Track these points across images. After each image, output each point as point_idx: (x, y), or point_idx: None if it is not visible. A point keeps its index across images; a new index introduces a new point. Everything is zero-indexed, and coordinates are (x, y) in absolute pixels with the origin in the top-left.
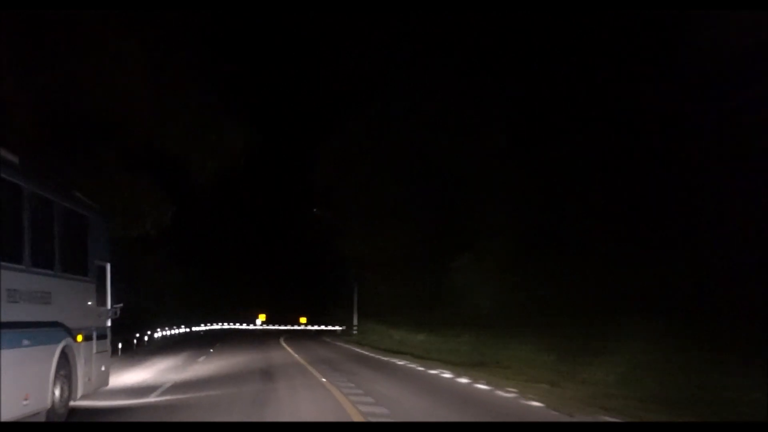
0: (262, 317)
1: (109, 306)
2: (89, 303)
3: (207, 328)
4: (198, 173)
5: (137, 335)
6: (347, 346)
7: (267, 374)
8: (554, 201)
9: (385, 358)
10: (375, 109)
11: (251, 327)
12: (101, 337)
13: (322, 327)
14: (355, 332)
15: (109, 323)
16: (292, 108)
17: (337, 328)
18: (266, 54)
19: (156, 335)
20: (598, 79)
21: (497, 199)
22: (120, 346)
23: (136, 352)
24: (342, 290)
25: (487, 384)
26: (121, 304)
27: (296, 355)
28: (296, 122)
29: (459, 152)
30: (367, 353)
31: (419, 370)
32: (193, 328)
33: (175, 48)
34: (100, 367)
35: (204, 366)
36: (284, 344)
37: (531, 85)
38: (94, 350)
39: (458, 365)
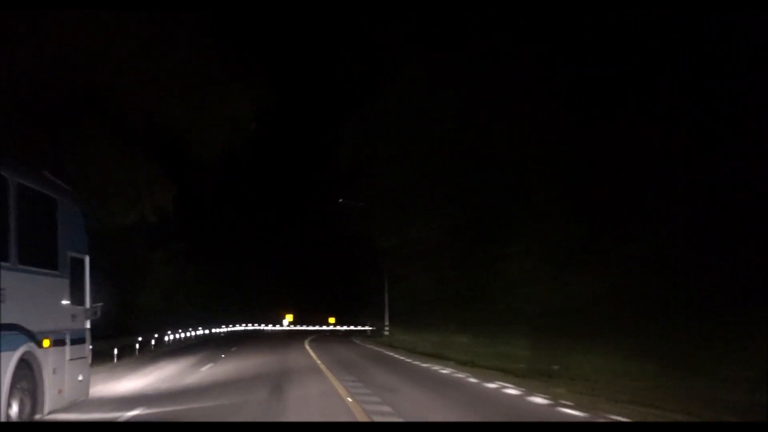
0: (289, 317)
1: (87, 305)
2: (60, 301)
3: (229, 329)
4: (203, 148)
5: (139, 339)
6: (378, 348)
7: (277, 386)
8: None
9: (425, 365)
10: (406, 82)
11: (277, 328)
12: (77, 341)
13: (351, 327)
14: (386, 333)
15: (87, 325)
16: (314, 82)
17: (366, 328)
18: (283, 11)
19: (167, 338)
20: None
21: (555, 176)
22: (116, 351)
23: (139, 357)
24: (372, 288)
25: (578, 407)
26: (101, 303)
27: (318, 361)
28: (319, 100)
29: (506, 128)
30: (402, 358)
31: (472, 383)
32: (213, 330)
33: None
34: (76, 376)
35: (210, 372)
36: (308, 347)
37: (585, 54)
38: (68, 357)
39: (520, 376)
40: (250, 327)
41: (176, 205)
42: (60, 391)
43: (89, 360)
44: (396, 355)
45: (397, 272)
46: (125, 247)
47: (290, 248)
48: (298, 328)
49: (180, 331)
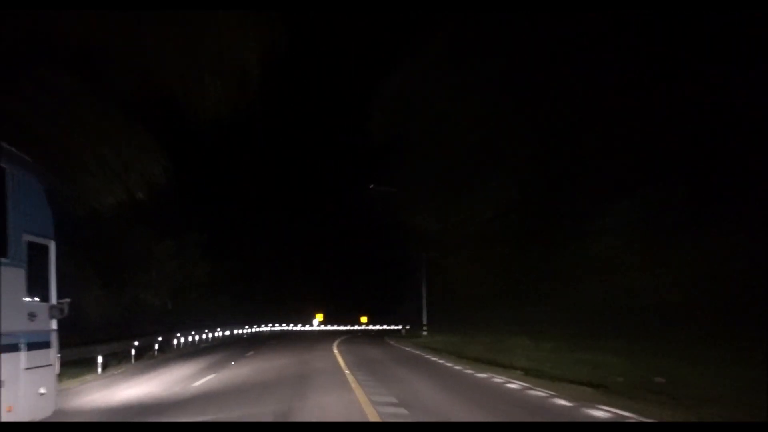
0: (319, 317)
1: (52, 301)
2: (12, 297)
3: (253, 330)
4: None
5: (136, 344)
6: (417, 352)
7: (288, 411)
8: None
9: (482, 374)
10: (451, 35)
11: (306, 328)
12: (37, 346)
13: (384, 327)
14: (424, 333)
15: (53, 326)
16: (341, 40)
17: (400, 328)
18: None
19: (176, 341)
20: None
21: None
22: (100, 359)
23: (136, 364)
24: (408, 284)
25: None
26: (69, 300)
27: (346, 371)
28: (347, 60)
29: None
30: (449, 365)
31: (564, 406)
32: (235, 332)
33: None
34: (36, 389)
35: (206, 386)
36: (336, 350)
37: None
38: (23, 366)
39: (618, 392)
40: (276, 327)
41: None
42: (10, 409)
43: (56, 369)
44: (440, 361)
45: (436, 264)
46: (122, 237)
47: (318, 243)
48: (329, 328)
49: (193, 333)
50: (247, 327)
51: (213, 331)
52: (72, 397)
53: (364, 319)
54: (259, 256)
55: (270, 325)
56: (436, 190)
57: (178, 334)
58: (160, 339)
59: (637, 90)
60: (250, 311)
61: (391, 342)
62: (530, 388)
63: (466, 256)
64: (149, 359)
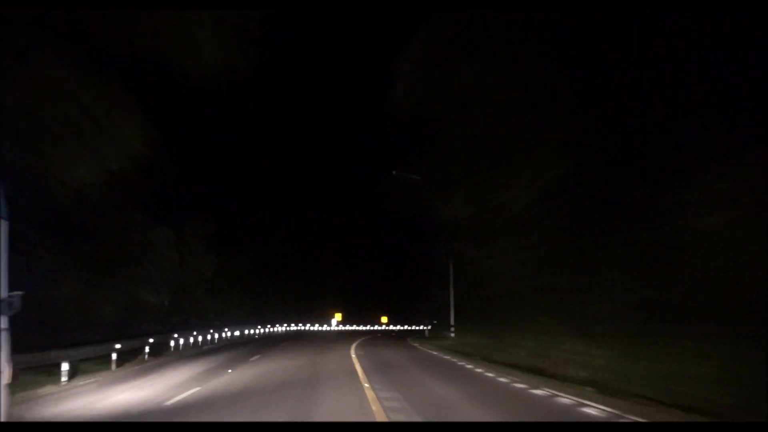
0: (337, 316)
1: (2, 293)
2: None
3: (266, 331)
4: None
5: (117, 346)
6: (446, 356)
7: None
8: None
9: (539, 391)
10: None
11: (324, 328)
12: None
13: (405, 327)
14: (452, 335)
15: (3, 324)
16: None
17: (423, 328)
18: None
19: (174, 343)
20: None
21: None
22: (66, 367)
23: (115, 371)
24: (433, 280)
25: None
26: (21, 292)
27: (366, 384)
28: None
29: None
30: (491, 375)
31: None
32: (247, 332)
33: None
34: None
35: (196, 395)
36: (353, 353)
37: None
38: None
39: None
40: (293, 327)
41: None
42: None
43: (6, 376)
44: (478, 369)
45: (466, 258)
46: (109, 223)
47: (337, 237)
48: (348, 328)
49: (195, 333)
50: (259, 327)
51: (219, 331)
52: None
53: (384, 319)
54: (273, 251)
55: (285, 325)
56: (469, 171)
57: (176, 335)
58: (151, 341)
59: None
60: (263, 310)
61: (415, 344)
62: (620, 417)
63: (502, 247)
64: (137, 365)
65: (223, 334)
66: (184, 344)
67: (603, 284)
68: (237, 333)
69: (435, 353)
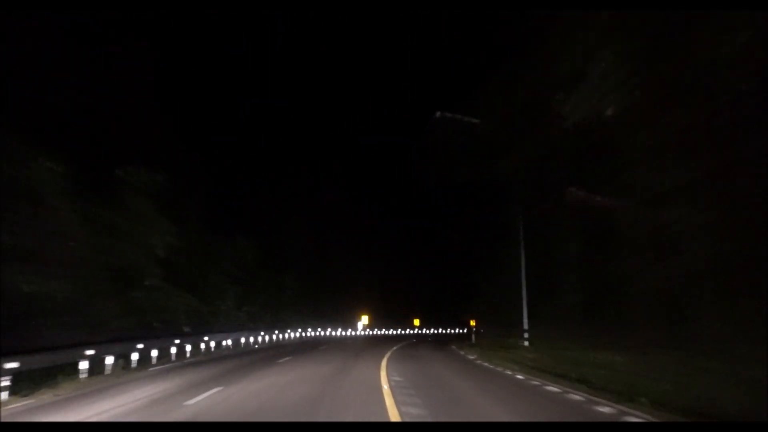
0: (364, 319)
1: None
2: None
3: (276, 337)
4: None
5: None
6: (553, 387)
7: None
8: None
9: None
10: None
11: (349, 333)
12: None
13: (441, 331)
14: (525, 343)
15: None
16: None
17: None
18: None
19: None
20: None
21: None
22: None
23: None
24: (482, 269)
25: None
26: None
27: None
28: None
29: None
30: None
31: None
32: (245, 339)
33: None
34: None
35: None
36: (384, 374)
37: None
38: None
39: None
40: (309, 333)
41: None
42: None
43: None
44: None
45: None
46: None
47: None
48: (375, 333)
49: (141, 346)
50: (261, 333)
51: (193, 341)
52: None
53: (416, 322)
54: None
55: (299, 330)
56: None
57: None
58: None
59: None
60: (275, 311)
61: (470, 356)
62: None
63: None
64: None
65: (202, 345)
66: (115, 364)
67: None
68: (228, 342)
69: (521, 377)
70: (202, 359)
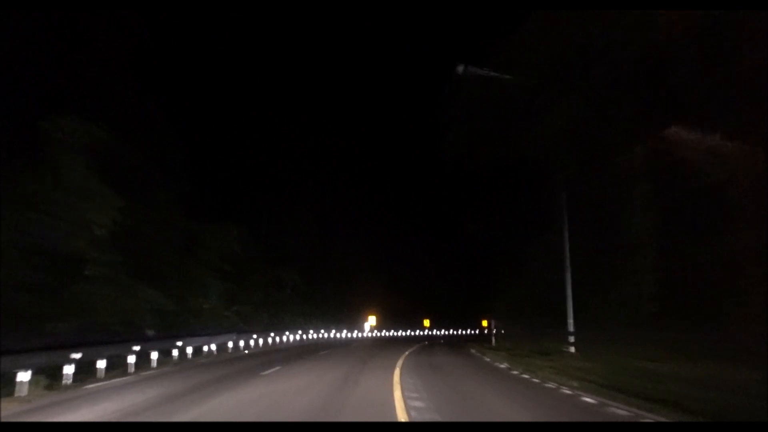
0: (371, 319)
1: None
2: None
3: (273, 340)
4: None
5: None
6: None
7: None
8: None
9: None
10: None
11: (356, 335)
12: None
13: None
14: (570, 349)
15: None
16: None
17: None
18: None
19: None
20: None
21: None
22: None
23: None
24: (506, 259)
25: None
26: None
27: None
28: None
29: None
30: None
31: None
32: (235, 344)
33: None
34: None
35: None
36: (399, 395)
37: None
38: None
39: None
40: (311, 335)
41: None
42: None
43: None
44: None
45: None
46: None
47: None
48: (384, 334)
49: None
50: (254, 336)
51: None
52: None
53: (426, 322)
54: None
55: (299, 332)
56: None
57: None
58: None
59: None
60: (276, 310)
61: (500, 364)
62: None
63: None
64: None
65: (175, 351)
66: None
67: None
68: (212, 347)
69: (589, 400)
70: (169, 370)
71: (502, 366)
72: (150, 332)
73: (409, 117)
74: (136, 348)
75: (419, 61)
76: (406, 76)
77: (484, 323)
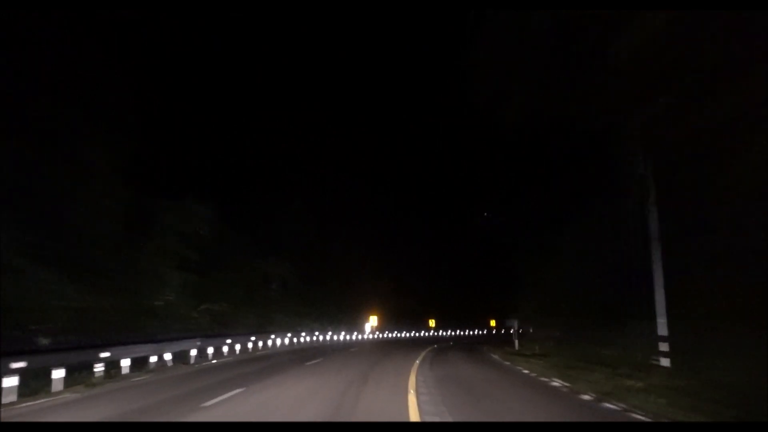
0: (372, 320)
1: None
2: None
3: (254, 345)
4: None
5: None
6: None
7: None
8: None
9: None
10: None
11: (355, 337)
12: None
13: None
14: (661, 362)
15: None
16: None
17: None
18: None
19: None
20: None
21: None
22: None
23: None
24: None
25: None
26: None
27: None
28: None
29: None
30: None
31: None
32: (218, 349)
33: None
34: None
35: None
36: None
37: None
38: None
39: None
40: (304, 338)
41: None
42: None
43: None
44: None
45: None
46: None
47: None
48: (386, 335)
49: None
50: (228, 341)
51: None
52: None
53: (431, 323)
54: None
55: (288, 336)
56: None
57: None
58: None
59: None
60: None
61: (552, 381)
62: None
63: None
64: None
65: (99, 366)
66: None
67: None
68: (167, 356)
69: None
70: (70, 397)
71: (554, 383)
72: (44, 340)
73: (417, 100)
74: (15, 365)
75: (427, 39)
76: (413, 59)
77: (492, 323)
